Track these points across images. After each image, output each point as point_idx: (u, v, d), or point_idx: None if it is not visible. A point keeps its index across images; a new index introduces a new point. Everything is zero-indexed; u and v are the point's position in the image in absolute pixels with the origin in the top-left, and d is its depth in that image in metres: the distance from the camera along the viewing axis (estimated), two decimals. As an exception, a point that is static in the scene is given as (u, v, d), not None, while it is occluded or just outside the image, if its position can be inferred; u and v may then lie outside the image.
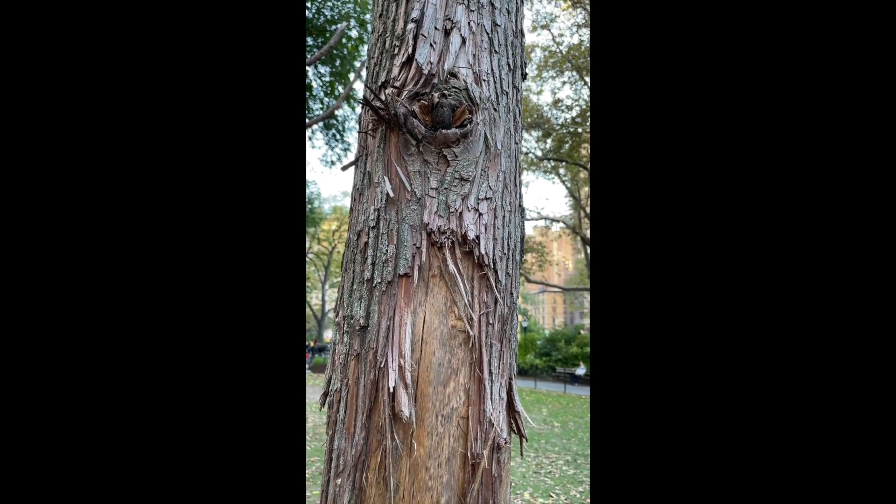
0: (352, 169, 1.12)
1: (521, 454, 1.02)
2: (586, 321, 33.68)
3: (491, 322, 0.93)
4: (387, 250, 0.92)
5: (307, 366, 18.73)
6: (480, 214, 0.94)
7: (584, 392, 17.24)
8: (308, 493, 4.81)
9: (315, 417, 9.22)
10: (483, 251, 0.92)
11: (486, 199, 0.96)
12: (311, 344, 23.39)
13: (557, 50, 17.39)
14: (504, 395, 0.94)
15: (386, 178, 0.96)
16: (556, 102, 18.49)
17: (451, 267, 0.90)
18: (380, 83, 1.04)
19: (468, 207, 0.93)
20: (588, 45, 16.56)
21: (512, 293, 1.00)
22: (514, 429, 0.98)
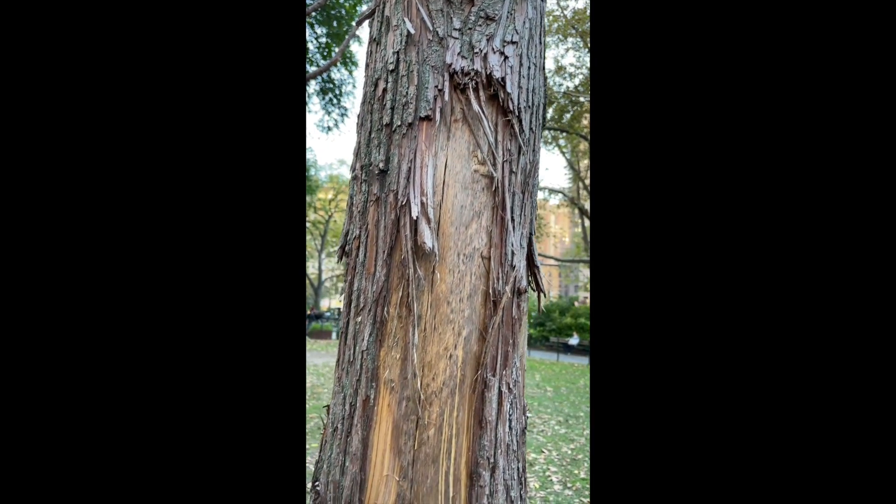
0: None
1: (539, 310, 1.02)
2: (581, 294, 34.03)
3: (514, 171, 0.91)
4: (407, 92, 0.89)
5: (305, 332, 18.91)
6: (506, 58, 0.90)
7: (577, 360, 17.60)
8: (307, 446, 4.96)
9: (313, 378, 9.40)
10: (509, 91, 0.89)
11: (513, 42, 0.91)
12: (309, 311, 23.61)
13: (562, 14, 16.83)
14: (525, 246, 0.92)
15: (406, 19, 0.91)
16: (559, 70, 18.03)
17: (476, 107, 0.87)
18: (399, -76, 0.98)
19: (493, 49, 0.89)
20: (594, 8, 15.96)
21: (535, 150, 0.97)
22: (533, 284, 0.97)
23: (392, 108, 0.90)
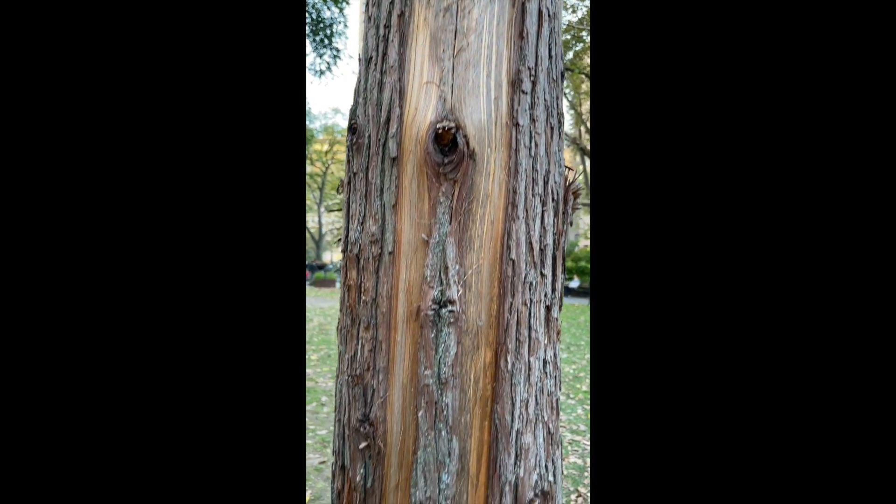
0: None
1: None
2: (581, 241, 34.26)
3: None
4: None
5: (309, 282, 19.25)
6: None
7: (576, 301, 17.99)
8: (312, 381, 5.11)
9: (320, 318, 9.59)
10: None
11: None
12: (312, 262, 23.97)
13: (564, -64, 15.74)
14: None
15: None
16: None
17: None
18: None
19: None
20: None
21: None
22: None
23: None
